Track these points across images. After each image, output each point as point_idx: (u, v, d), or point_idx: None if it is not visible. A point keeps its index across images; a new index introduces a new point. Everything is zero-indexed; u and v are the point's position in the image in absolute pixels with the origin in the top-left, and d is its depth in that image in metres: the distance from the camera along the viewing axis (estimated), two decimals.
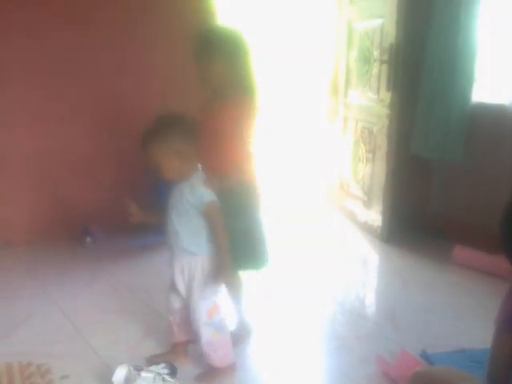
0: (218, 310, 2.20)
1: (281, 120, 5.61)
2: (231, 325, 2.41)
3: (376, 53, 3.77)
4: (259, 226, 2.37)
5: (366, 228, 4.00)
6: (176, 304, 2.26)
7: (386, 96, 3.67)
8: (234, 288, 2.44)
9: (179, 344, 2.33)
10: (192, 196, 2.09)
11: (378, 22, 3.70)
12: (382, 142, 3.76)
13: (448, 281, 3.27)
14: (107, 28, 3.63)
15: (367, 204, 3.98)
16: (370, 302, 3.23)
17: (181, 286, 2.20)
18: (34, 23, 3.45)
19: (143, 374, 2.11)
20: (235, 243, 2.15)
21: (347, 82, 4.24)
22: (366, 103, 3.98)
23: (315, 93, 5.21)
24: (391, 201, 3.79)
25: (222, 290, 2.28)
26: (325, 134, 4.63)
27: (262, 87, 2.26)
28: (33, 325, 2.67)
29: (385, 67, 3.65)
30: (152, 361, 2.28)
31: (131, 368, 2.10)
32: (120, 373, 2.07)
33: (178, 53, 3.60)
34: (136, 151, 2.18)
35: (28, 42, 3.47)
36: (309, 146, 5.61)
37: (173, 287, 2.23)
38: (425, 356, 2.34)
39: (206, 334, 2.18)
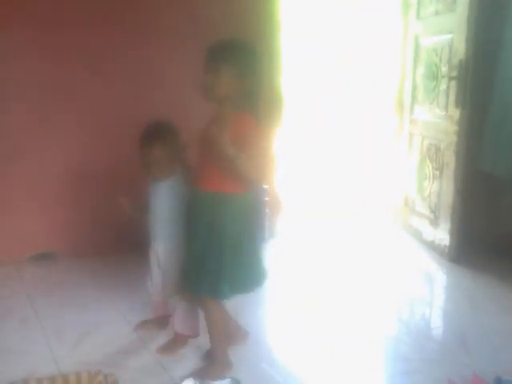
0: None
1: (346, 136, 5.59)
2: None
3: (444, 69, 3.70)
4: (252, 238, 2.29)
5: (432, 246, 3.90)
6: (158, 279, 2.62)
7: (455, 112, 3.59)
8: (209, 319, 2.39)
9: (161, 317, 2.73)
10: (173, 194, 2.44)
11: (447, 37, 3.63)
12: (450, 159, 3.67)
13: None
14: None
15: (434, 222, 3.89)
16: (438, 323, 3.12)
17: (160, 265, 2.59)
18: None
19: None
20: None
21: (413, 98, 4.17)
22: (433, 120, 3.90)
23: (381, 109, 5.16)
24: (460, 219, 3.69)
25: None
26: (390, 151, 4.57)
27: (289, 102, 2.21)
28: (100, 335, 2.71)
29: (454, 83, 3.57)
30: (142, 327, 2.74)
31: (197, 382, 2.11)
32: None
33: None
34: None
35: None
36: (374, 162, 5.55)
37: (154, 266, 2.61)
38: (499, 382, 2.24)
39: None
